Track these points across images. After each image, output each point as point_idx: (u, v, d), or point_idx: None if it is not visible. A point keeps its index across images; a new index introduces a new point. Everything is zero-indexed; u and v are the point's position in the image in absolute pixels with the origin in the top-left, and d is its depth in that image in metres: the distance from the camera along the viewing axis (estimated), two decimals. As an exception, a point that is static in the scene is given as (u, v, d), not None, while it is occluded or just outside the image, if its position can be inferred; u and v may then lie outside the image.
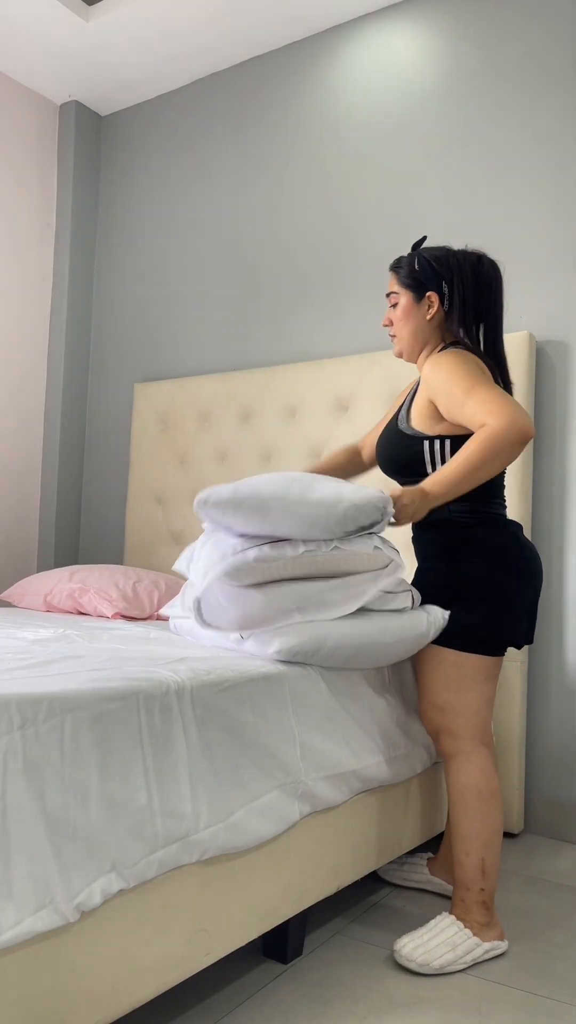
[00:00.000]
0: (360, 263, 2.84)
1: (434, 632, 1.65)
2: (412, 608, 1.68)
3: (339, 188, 2.91)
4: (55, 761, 1.05)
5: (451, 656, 1.67)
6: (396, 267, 1.81)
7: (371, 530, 1.57)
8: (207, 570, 1.55)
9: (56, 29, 3.04)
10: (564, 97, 2.47)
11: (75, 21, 2.99)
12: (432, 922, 1.60)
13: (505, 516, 1.73)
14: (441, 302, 1.74)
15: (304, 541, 1.53)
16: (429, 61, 2.73)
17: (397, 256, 1.80)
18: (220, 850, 1.27)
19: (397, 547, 2.35)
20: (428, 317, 1.76)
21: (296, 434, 2.81)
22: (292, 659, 1.52)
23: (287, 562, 1.51)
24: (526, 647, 2.39)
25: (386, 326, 1.85)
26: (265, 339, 3.05)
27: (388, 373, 2.62)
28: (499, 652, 1.68)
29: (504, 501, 1.75)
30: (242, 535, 1.57)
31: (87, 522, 3.52)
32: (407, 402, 1.80)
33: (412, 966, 1.52)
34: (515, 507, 2.35)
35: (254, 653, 1.57)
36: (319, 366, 2.79)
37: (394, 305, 1.81)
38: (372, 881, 1.97)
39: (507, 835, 2.36)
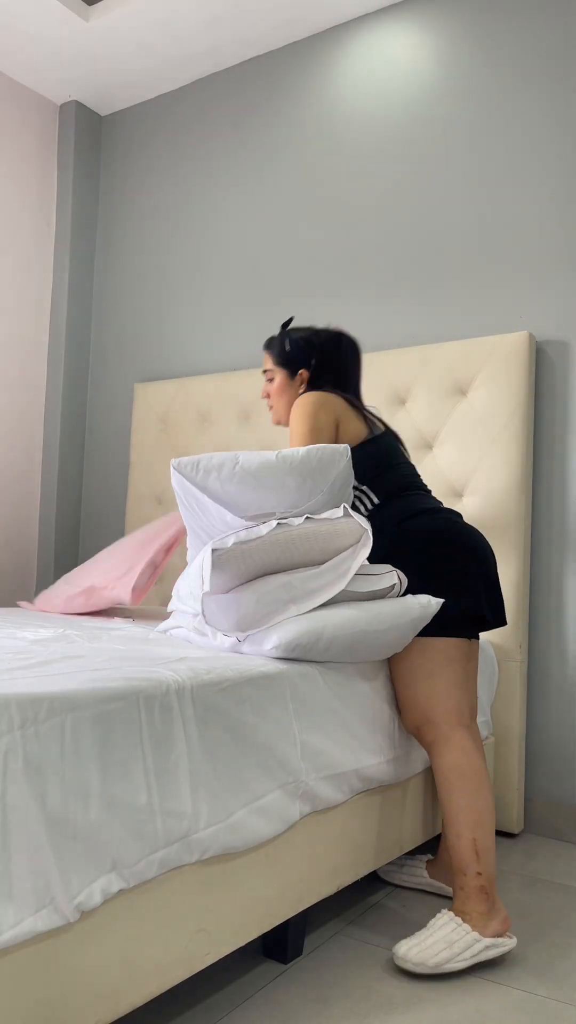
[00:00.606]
0: (360, 262, 2.84)
1: (427, 616, 1.68)
2: (401, 588, 1.72)
3: (339, 187, 2.91)
4: (55, 761, 1.05)
5: (416, 644, 1.72)
6: (269, 347, 2.04)
7: (338, 485, 1.66)
8: (196, 578, 1.58)
9: (56, 29, 3.04)
10: (564, 96, 2.47)
11: (75, 21, 2.99)
12: (431, 922, 1.59)
13: (434, 505, 1.85)
14: (310, 377, 1.98)
15: (278, 517, 1.59)
16: (429, 61, 2.73)
17: (269, 336, 2.15)
18: (221, 850, 1.27)
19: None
20: (300, 391, 1.99)
21: (296, 434, 2.81)
22: (290, 654, 1.52)
23: (263, 543, 1.55)
24: (525, 647, 2.39)
25: (264, 398, 2.05)
26: (265, 339, 3.05)
27: (388, 373, 2.62)
28: (463, 632, 1.73)
29: (425, 492, 1.89)
30: (214, 518, 1.63)
31: (87, 522, 3.52)
32: None
33: (408, 966, 1.51)
34: (515, 506, 2.35)
35: (252, 650, 1.57)
36: (319, 366, 2.78)
37: (270, 380, 2.03)
38: (372, 881, 1.97)
39: (507, 835, 2.37)
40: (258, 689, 1.42)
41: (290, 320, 2.06)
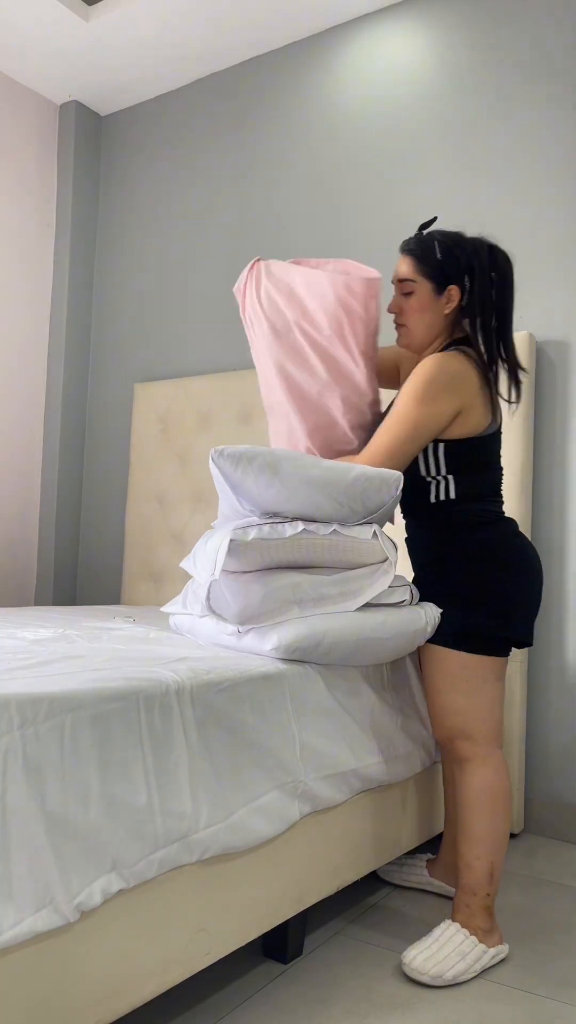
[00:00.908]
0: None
1: (431, 629, 1.65)
2: (411, 603, 1.68)
3: (338, 187, 2.91)
4: (55, 761, 1.05)
5: (460, 658, 1.65)
6: (410, 251, 1.65)
7: (378, 513, 1.59)
8: (209, 559, 1.56)
9: (56, 29, 3.04)
10: (563, 96, 2.47)
11: (75, 21, 2.99)
12: (437, 931, 1.58)
13: (503, 515, 1.72)
14: (461, 297, 1.63)
15: (304, 522, 1.55)
16: (428, 60, 2.73)
17: (406, 238, 1.70)
18: (220, 850, 1.27)
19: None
20: (446, 312, 1.65)
21: (296, 434, 2.81)
22: (290, 655, 1.52)
23: (284, 543, 1.53)
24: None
25: (393, 312, 1.69)
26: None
27: (388, 373, 2.61)
28: (506, 652, 1.67)
29: (502, 499, 1.73)
30: (245, 507, 1.58)
31: (87, 522, 3.52)
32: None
33: (425, 979, 1.49)
34: (515, 507, 2.35)
35: (252, 648, 1.57)
36: (319, 366, 2.78)
37: (407, 293, 1.66)
38: (372, 881, 1.97)
39: (507, 835, 2.37)
40: (258, 689, 1.42)
41: (432, 220, 1.69)
